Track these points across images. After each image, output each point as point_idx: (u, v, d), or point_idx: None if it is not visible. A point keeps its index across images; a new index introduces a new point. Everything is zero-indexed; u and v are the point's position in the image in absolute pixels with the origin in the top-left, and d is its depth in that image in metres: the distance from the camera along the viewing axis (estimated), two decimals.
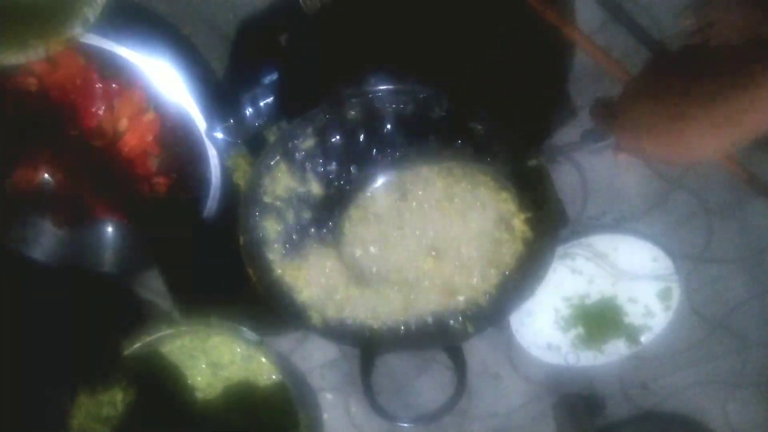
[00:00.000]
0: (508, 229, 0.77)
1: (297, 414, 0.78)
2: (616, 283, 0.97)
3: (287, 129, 0.70)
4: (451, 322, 0.80)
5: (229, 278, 0.80)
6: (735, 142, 0.52)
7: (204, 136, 0.75)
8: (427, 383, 1.02)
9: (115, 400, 0.81)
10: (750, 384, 1.06)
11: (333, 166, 0.71)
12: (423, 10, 0.78)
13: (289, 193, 0.72)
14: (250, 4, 0.80)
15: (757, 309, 1.01)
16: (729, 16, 0.57)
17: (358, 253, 0.75)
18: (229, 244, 0.75)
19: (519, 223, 0.76)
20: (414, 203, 0.74)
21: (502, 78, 0.82)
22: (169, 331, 0.79)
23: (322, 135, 0.69)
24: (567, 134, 0.87)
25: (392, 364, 1.01)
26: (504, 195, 0.74)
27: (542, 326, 0.99)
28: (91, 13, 0.70)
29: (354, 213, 0.73)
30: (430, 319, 0.80)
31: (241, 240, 0.74)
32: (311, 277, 0.76)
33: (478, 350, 1.01)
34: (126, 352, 0.78)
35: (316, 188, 0.72)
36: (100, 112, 0.80)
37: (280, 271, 0.76)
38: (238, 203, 0.74)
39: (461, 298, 0.79)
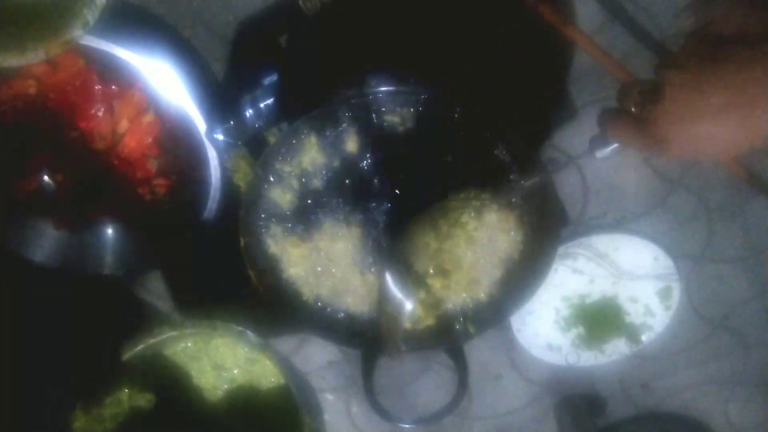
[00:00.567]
0: (508, 234, 0.77)
1: (301, 417, 0.78)
2: (617, 282, 0.97)
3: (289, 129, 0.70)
4: (453, 322, 0.80)
5: (229, 280, 0.80)
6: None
7: (204, 137, 0.75)
8: (427, 384, 1.02)
9: (118, 401, 0.81)
10: (751, 383, 1.06)
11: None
12: (423, 11, 0.78)
13: (314, 167, 0.72)
14: (249, 6, 0.80)
15: (757, 309, 1.01)
16: (729, 15, 0.57)
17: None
18: (230, 246, 0.75)
19: (518, 226, 0.77)
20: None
21: (503, 79, 0.82)
22: (172, 333, 0.79)
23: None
24: (570, 139, 0.87)
25: (393, 365, 1.00)
26: (510, 214, 0.75)
27: (543, 326, 0.99)
28: (91, 15, 0.70)
29: None
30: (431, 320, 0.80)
31: (242, 242, 0.74)
32: (308, 255, 0.76)
33: (479, 351, 1.01)
34: (129, 354, 0.78)
35: (343, 166, 0.72)
36: (100, 114, 0.79)
37: (274, 246, 0.75)
38: (239, 205, 0.74)
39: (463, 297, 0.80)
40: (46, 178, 0.84)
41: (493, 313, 0.80)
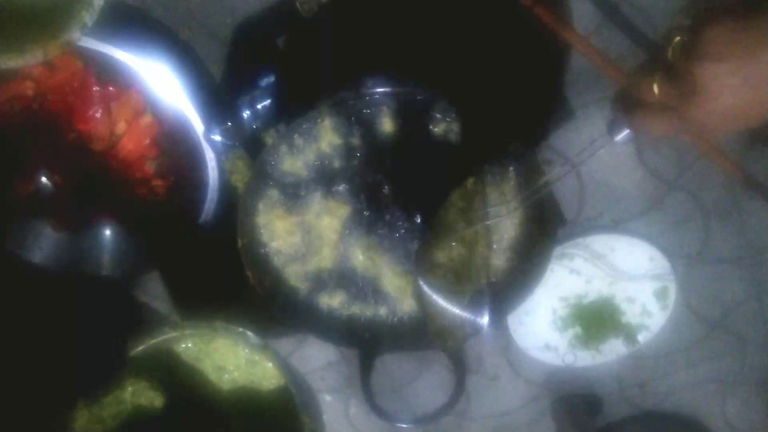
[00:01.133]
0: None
1: (301, 419, 0.78)
2: (614, 283, 0.98)
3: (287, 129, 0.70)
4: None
5: (227, 281, 0.80)
6: None
7: (202, 138, 0.75)
8: (425, 384, 1.02)
9: (118, 402, 0.81)
10: (748, 383, 1.06)
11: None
12: (420, 12, 0.79)
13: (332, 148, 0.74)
14: (247, 7, 0.80)
15: (754, 309, 1.01)
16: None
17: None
18: (228, 247, 0.75)
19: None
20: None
21: (499, 80, 0.83)
22: (173, 334, 0.79)
23: None
24: (567, 140, 0.87)
25: (391, 365, 1.01)
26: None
27: (540, 326, 0.99)
28: (89, 16, 0.70)
29: None
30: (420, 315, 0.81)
31: (240, 242, 0.74)
32: (297, 228, 0.77)
33: (476, 351, 1.01)
34: (130, 355, 0.78)
35: (357, 142, 0.73)
36: (98, 116, 0.80)
37: (262, 217, 0.76)
38: (237, 206, 0.74)
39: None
40: (44, 179, 0.84)
41: (489, 314, 0.80)
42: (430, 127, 0.73)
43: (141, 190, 0.84)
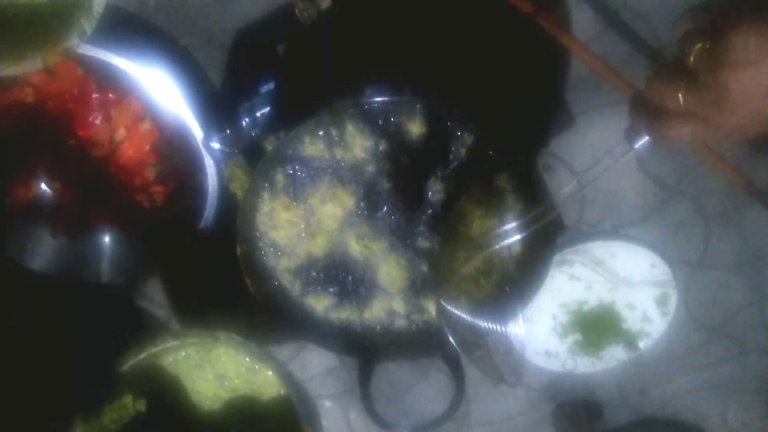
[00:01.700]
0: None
1: (303, 429, 0.78)
2: (614, 289, 0.97)
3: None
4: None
5: (226, 287, 0.80)
6: None
7: (201, 146, 0.75)
8: (425, 390, 1.02)
9: (119, 409, 0.81)
10: (749, 390, 1.06)
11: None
12: (420, 19, 0.79)
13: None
14: (246, 15, 0.80)
15: (755, 315, 1.01)
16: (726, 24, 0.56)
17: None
18: (227, 254, 0.75)
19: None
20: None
21: (500, 86, 0.82)
22: (174, 343, 0.78)
23: None
24: (568, 147, 0.87)
25: (391, 371, 1.00)
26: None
27: (540, 333, 0.99)
28: (88, 23, 0.70)
29: None
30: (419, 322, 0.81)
31: (239, 250, 0.74)
32: (298, 219, 0.77)
33: None
34: (132, 362, 0.77)
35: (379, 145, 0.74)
36: (98, 122, 0.79)
37: (266, 204, 0.75)
38: (236, 213, 0.74)
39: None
40: (43, 185, 0.84)
41: (489, 320, 0.80)
42: (433, 134, 0.74)
43: (140, 197, 0.84)
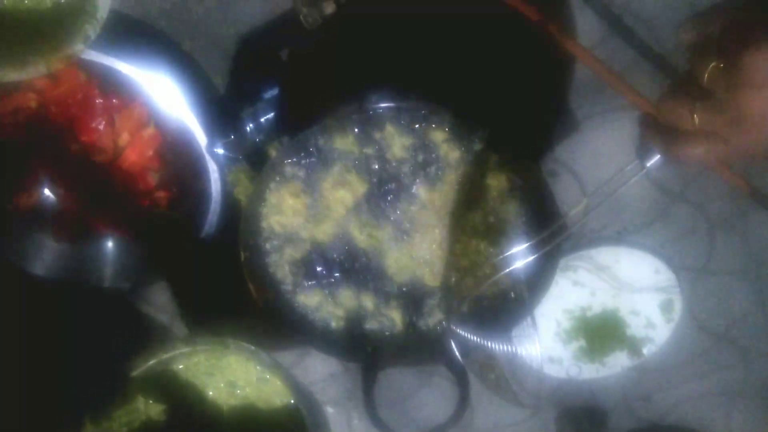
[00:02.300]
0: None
1: None
2: (618, 295, 0.97)
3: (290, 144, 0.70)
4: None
5: (230, 293, 0.80)
6: None
7: (205, 151, 0.75)
8: (429, 396, 1.02)
9: (129, 415, 0.81)
10: (753, 396, 1.05)
11: None
12: (424, 24, 0.79)
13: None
14: (250, 20, 0.80)
15: (759, 321, 1.00)
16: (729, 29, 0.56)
17: None
18: (230, 260, 0.75)
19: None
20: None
21: (504, 92, 0.82)
22: (185, 350, 0.78)
23: None
24: (572, 152, 0.87)
25: (394, 377, 1.00)
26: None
27: (544, 339, 0.99)
28: (92, 29, 0.71)
29: None
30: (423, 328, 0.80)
31: (242, 256, 0.74)
32: (304, 210, 0.76)
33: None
34: (142, 368, 0.77)
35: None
36: (101, 128, 0.80)
37: (274, 195, 0.75)
38: (239, 219, 0.74)
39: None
40: (47, 191, 0.84)
41: (493, 326, 0.80)
42: (436, 140, 0.73)
43: (143, 202, 0.84)
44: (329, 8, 0.73)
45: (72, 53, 0.71)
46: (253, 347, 0.78)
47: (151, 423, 0.81)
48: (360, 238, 0.77)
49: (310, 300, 0.79)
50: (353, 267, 0.78)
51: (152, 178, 0.83)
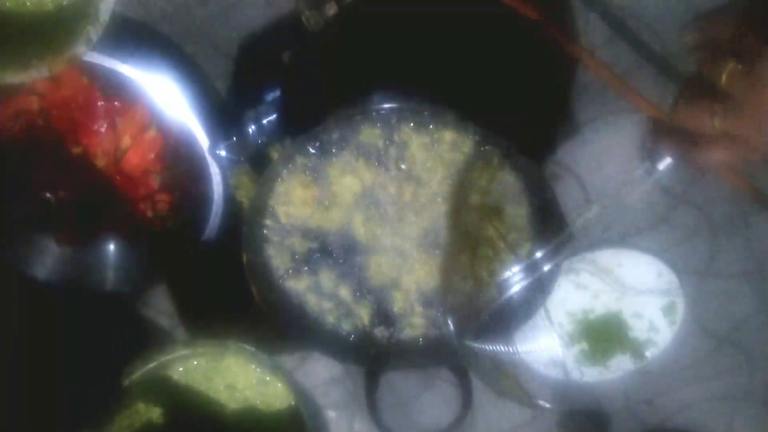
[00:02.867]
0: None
1: None
2: (621, 298, 0.97)
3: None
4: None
5: (232, 296, 0.80)
6: None
7: (207, 153, 0.75)
8: (431, 399, 1.01)
9: (129, 418, 0.80)
10: (757, 399, 1.05)
11: None
12: (427, 26, 0.78)
13: None
14: (252, 23, 0.80)
15: (763, 324, 1.00)
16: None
17: None
18: (232, 262, 0.75)
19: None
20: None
21: (506, 94, 0.82)
22: (185, 352, 0.78)
23: None
24: (574, 155, 0.86)
25: (396, 381, 1.00)
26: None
27: (544, 341, 0.98)
28: (94, 31, 0.70)
29: None
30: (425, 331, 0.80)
31: (245, 258, 0.74)
32: (312, 202, 0.75)
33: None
34: (141, 371, 0.77)
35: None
36: (103, 130, 0.80)
37: (284, 184, 0.74)
38: (242, 221, 0.73)
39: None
40: (48, 194, 0.84)
41: (496, 329, 0.80)
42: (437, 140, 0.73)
43: (145, 205, 0.84)
44: (331, 10, 0.73)
45: (74, 56, 0.71)
46: (253, 349, 0.78)
47: (151, 426, 0.81)
48: (360, 230, 0.77)
49: (299, 284, 0.79)
50: (343, 256, 0.78)
51: (154, 181, 0.83)
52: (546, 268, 0.71)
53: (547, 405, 0.73)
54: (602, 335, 0.99)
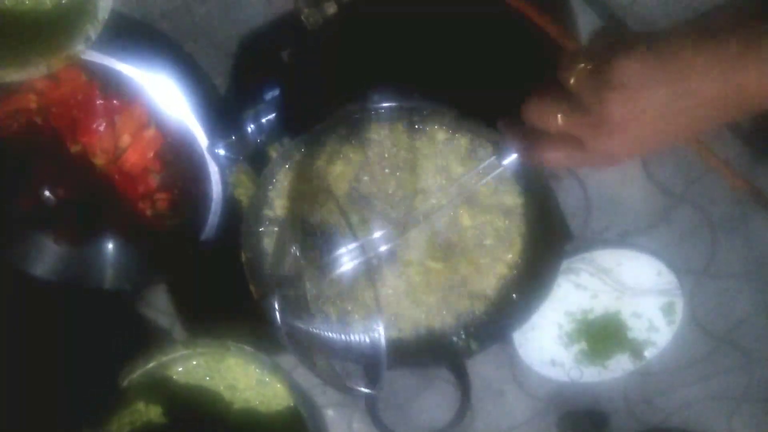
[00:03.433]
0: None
1: None
2: (620, 298, 0.97)
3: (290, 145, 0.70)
4: (455, 338, 0.80)
5: (230, 295, 0.79)
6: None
7: (206, 152, 0.75)
8: (429, 399, 1.01)
9: (129, 417, 0.80)
10: (756, 399, 1.05)
11: None
12: (426, 25, 0.78)
13: None
14: (251, 21, 0.80)
15: (762, 324, 1.00)
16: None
17: None
18: (231, 261, 0.74)
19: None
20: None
21: (507, 94, 0.82)
22: (185, 352, 0.78)
23: None
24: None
25: (395, 380, 1.00)
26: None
27: (546, 342, 0.99)
28: (93, 30, 0.70)
29: None
30: (423, 331, 0.80)
31: (244, 256, 0.74)
32: (311, 192, 0.75)
33: (480, 366, 1.00)
34: (140, 371, 0.77)
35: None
36: (102, 129, 0.79)
37: (284, 175, 0.74)
38: (241, 220, 0.73)
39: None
40: (47, 192, 0.84)
41: (495, 329, 0.80)
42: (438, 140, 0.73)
43: (144, 203, 0.84)
44: (331, 8, 0.73)
45: (73, 54, 0.70)
46: (253, 349, 0.78)
47: (151, 425, 0.81)
48: (354, 226, 0.76)
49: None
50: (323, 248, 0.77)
51: (153, 180, 0.83)
52: (381, 249, 0.72)
53: (364, 389, 0.72)
54: (601, 335, 0.99)
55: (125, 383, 0.76)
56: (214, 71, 0.82)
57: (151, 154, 0.81)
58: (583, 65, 0.51)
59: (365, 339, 0.74)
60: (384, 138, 0.73)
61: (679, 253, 0.95)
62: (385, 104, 0.68)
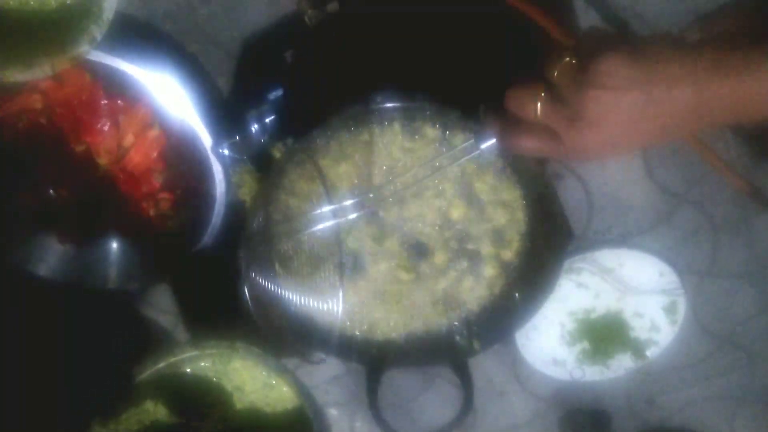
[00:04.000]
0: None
1: None
2: (622, 297, 0.97)
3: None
4: (457, 338, 0.80)
5: (233, 295, 0.80)
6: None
7: (209, 152, 0.75)
8: (432, 398, 1.01)
9: (136, 417, 0.80)
10: (758, 399, 1.05)
11: None
12: (429, 24, 0.78)
13: None
14: (255, 22, 0.80)
15: (764, 324, 1.00)
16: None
17: None
18: (233, 261, 0.75)
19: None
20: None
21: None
22: (193, 353, 0.78)
23: None
24: None
25: (397, 380, 1.00)
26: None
27: (548, 341, 0.99)
28: (97, 30, 0.71)
29: None
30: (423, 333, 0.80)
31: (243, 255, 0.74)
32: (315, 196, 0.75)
33: (483, 365, 1.00)
34: (150, 371, 0.77)
35: None
36: (106, 129, 0.80)
37: (290, 175, 0.74)
38: (244, 219, 0.74)
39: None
40: (51, 192, 0.84)
41: (497, 329, 0.80)
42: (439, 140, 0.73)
43: (147, 203, 0.84)
44: (333, 8, 0.73)
45: (77, 54, 0.71)
46: (260, 351, 0.78)
47: (159, 425, 0.81)
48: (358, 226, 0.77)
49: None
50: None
51: (157, 180, 0.83)
52: (351, 216, 0.72)
53: (324, 357, 0.73)
54: (603, 335, 0.99)
55: (135, 382, 0.77)
56: (217, 71, 0.82)
57: (155, 154, 0.81)
58: (568, 60, 0.52)
59: (323, 306, 0.74)
60: (387, 138, 0.73)
61: (682, 254, 0.95)
62: (389, 104, 0.68)
